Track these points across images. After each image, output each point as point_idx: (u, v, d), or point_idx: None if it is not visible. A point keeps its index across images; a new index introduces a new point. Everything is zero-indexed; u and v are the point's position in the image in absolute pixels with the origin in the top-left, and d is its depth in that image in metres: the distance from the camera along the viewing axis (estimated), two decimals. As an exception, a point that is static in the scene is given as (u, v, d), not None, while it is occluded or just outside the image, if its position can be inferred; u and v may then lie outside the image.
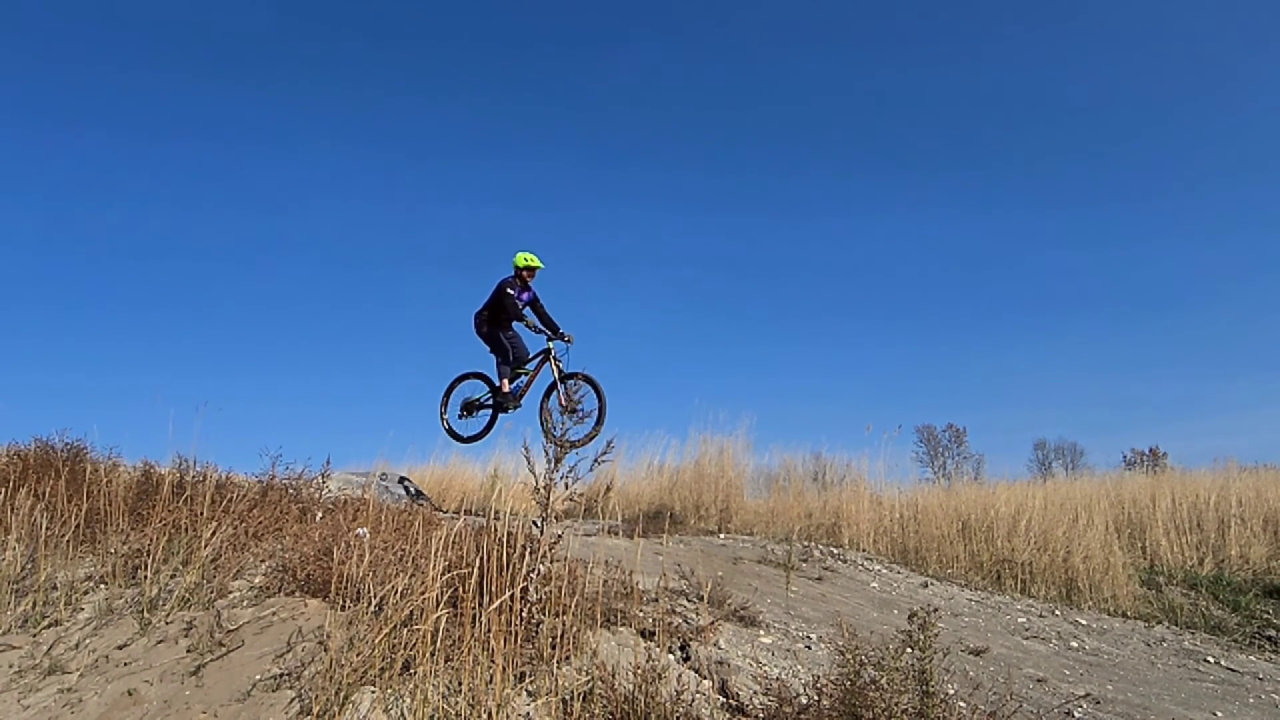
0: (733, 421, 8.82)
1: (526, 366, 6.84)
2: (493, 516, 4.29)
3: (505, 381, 6.75)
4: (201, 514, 4.38)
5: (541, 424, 6.75)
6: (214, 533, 4.03)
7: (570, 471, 3.18)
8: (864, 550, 7.09)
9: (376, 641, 2.91)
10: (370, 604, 3.16)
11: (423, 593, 3.00)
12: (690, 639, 3.25)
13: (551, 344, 6.69)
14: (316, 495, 5.27)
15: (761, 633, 3.79)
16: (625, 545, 5.36)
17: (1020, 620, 5.42)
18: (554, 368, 6.67)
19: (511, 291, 6.58)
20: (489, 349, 6.84)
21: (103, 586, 4.27)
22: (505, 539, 3.27)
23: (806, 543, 6.83)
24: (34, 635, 3.83)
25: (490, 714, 2.61)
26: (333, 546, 3.79)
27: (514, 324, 6.68)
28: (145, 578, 4.05)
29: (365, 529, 4.11)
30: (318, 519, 3.95)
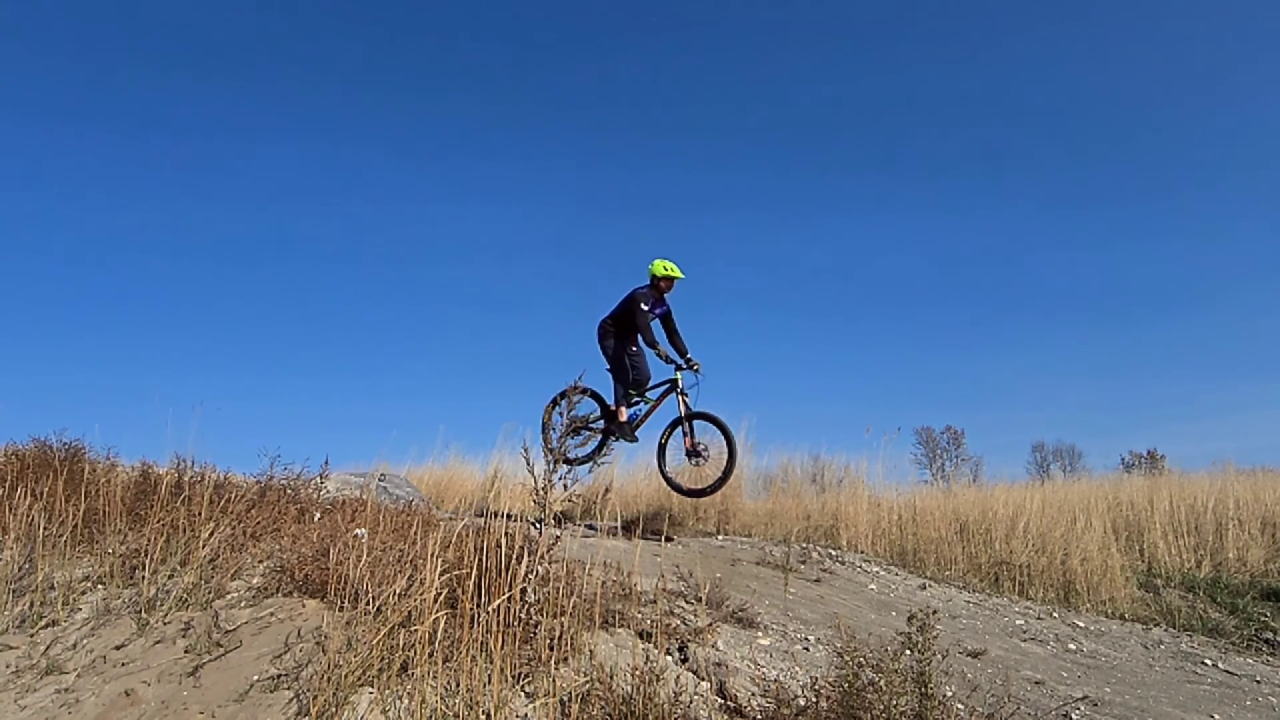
0: (732, 422, 8.82)
1: (648, 394, 6.06)
2: (490, 517, 4.29)
3: (622, 408, 6.00)
4: (199, 514, 4.38)
5: (659, 464, 6.15)
6: (211, 533, 4.03)
7: (569, 473, 3.18)
8: (862, 552, 7.09)
9: (375, 642, 2.91)
10: (369, 605, 3.16)
11: (421, 593, 3.00)
12: (688, 640, 3.25)
13: (680, 374, 5.91)
14: (315, 496, 5.27)
15: (759, 634, 3.79)
16: (624, 546, 5.36)
17: (1018, 622, 5.43)
18: (680, 402, 5.91)
19: (645, 306, 5.79)
20: (606, 366, 6.10)
21: (100, 587, 4.27)
22: (504, 539, 3.28)
23: (805, 544, 6.83)
24: (31, 635, 3.82)
25: (488, 715, 2.61)
26: (330, 547, 3.79)
27: (641, 343, 5.90)
28: (144, 578, 4.04)
29: (363, 529, 4.11)
30: (316, 519, 3.95)
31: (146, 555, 4.26)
